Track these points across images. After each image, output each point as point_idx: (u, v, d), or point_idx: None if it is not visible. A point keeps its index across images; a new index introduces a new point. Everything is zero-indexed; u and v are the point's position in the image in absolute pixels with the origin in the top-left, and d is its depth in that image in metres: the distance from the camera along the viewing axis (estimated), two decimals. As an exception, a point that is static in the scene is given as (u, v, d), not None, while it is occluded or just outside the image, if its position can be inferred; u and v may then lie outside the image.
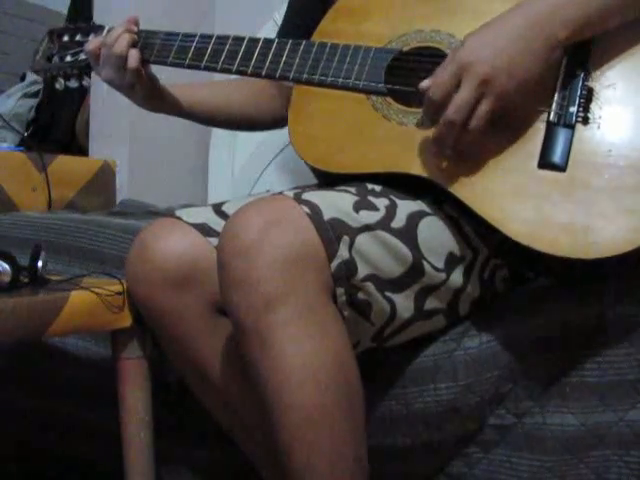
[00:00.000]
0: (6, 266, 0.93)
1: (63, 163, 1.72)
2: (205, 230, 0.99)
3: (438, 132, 0.94)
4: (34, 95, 2.28)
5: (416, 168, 0.98)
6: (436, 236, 0.97)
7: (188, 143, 2.10)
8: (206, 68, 1.13)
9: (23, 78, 2.40)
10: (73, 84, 1.25)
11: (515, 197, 0.94)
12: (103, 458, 1.22)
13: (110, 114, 1.95)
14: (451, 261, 0.97)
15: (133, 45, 1.14)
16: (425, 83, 0.94)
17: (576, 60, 0.97)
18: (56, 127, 2.25)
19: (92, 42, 1.16)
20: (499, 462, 1.02)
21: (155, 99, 1.20)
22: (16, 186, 1.60)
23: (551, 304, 1.02)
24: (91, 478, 1.28)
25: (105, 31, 1.20)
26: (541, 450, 1.00)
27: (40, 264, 0.99)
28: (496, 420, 1.02)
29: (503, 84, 0.91)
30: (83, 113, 2.18)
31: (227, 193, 1.95)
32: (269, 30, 1.79)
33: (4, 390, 1.27)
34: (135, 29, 1.16)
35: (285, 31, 1.29)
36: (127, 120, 1.95)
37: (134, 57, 1.13)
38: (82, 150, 2.11)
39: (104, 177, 1.84)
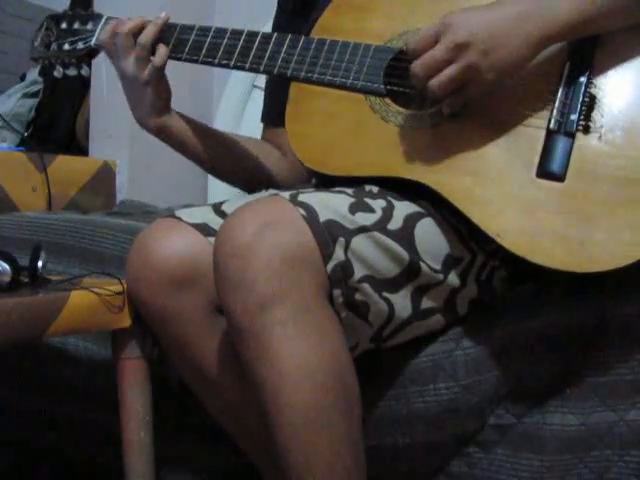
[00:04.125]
0: (6, 266, 0.93)
1: (63, 163, 1.72)
2: (205, 230, 0.99)
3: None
4: (34, 95, 2.28)
5: (413, 173, 0.97)
6: (433, 238, 0.96)
7: (188, 143, 2.09)
8: (203, 62, 1.11)
9: (23, 78, 2.40)
10: (71, 72, 1.22)
11: (512, 206, 0.93)
12: (103, 458, 1.22)
13: (110, 114, 1.95)
14: (448, 262, 0.97)
15: (159, 40, 1.11)
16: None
17: (579, 67, 0.96)
18: (56, 127, 2.25)
19: (105, 31, 1.13)
20: (499, 462, 1.02)
21: (163, 111, 1.14)
22: (16, 186, 1.60)
23: (551, 304, 1.02)
24: (91, 478, 1.28)
25: (103, 20, 1.18)
26: (541, 450, 1.00)
27: (40, 264, 0.98)
28: (496, 420, 1.03)
29: (476, 55, 0.90)
30: (83, 113, 2.18)
31: (227, 193, 1.94)
32: (269, 31, 1.79)
33: (4, 390, 1.27)
34: (164, 18, 1.12)
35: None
36: (127, 120, 1.93)
37: (162, 54, 1.10)
38: (82, 150, 2.11)
39: (104, 177, 1.84)
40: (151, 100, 1.13)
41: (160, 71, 1.12)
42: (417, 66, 0.93)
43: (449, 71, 0.91)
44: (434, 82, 0.92)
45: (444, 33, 0.91)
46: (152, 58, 1.11)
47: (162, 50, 1.11)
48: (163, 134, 1.17)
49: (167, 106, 1.16)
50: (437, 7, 0.98)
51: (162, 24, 1.12)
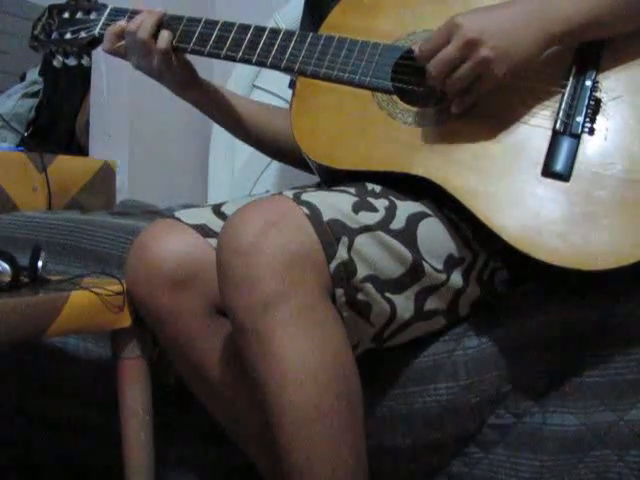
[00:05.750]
0: (6, 266, 0.93)
1: (63, 163, 1.72)
2: (204, 231, 0.99)
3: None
4: (34, 95, 2.28)
5: (418, 169, 0.97)
6: (436, 237, 0.96)
7: (188, 143, 2.09)
8: (209, 54, 1.11)
9: (23, 78, 2.40)
10: (71, 62, 1.22)
11: (516, 203, 0.94)
12: (103, 458, 1.22)
13: (110, 114, 1.95)
14: (451, 262, 0.97)
15: (159, 27, 1.12)
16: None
17: (585, 70, 0.97)
18: (56, 127, 2.25)
19: (115, 25, 1.14)
20: (499, 462, 1.02)
21: (191, 88, 1.18)
22: (16, 186, 1.60)
23: (551, 304, 1.02)
24: (91, 478, 1.28)
25: (107, 10, 1.19)
26: (541, 450, 1.00)
27: (40, 264, 0.99)
28: (496, 420, 1.03)
29: (487, 50, 0.91)
30: (83, 113, 2.18)
31: (227, 193, 1.95)
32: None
33: (4, 390, 1.27)
34: (160, 12, 1.13)
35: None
36: (127, 120, 1.94)
37: (164, 38, 1.11)
38: (82, 150, 2.11)
39: (104, 177, 1.84)
40: (170, 82, 1.16)
41: (166, 55, 1.12)
42: (432, 66, 0.95)
43: (463, 69, 0.93)
44: (450, 81, 0.94)
45: (455, 32, 0.93)
46: (155, 46, 1.11)
47: (165, 34, 1.11)
48: (197, 106, 1.22)
49: (194, 84, 1.18)
50: (444, 8, 0.99)
51: (159, 15, 1.13)
